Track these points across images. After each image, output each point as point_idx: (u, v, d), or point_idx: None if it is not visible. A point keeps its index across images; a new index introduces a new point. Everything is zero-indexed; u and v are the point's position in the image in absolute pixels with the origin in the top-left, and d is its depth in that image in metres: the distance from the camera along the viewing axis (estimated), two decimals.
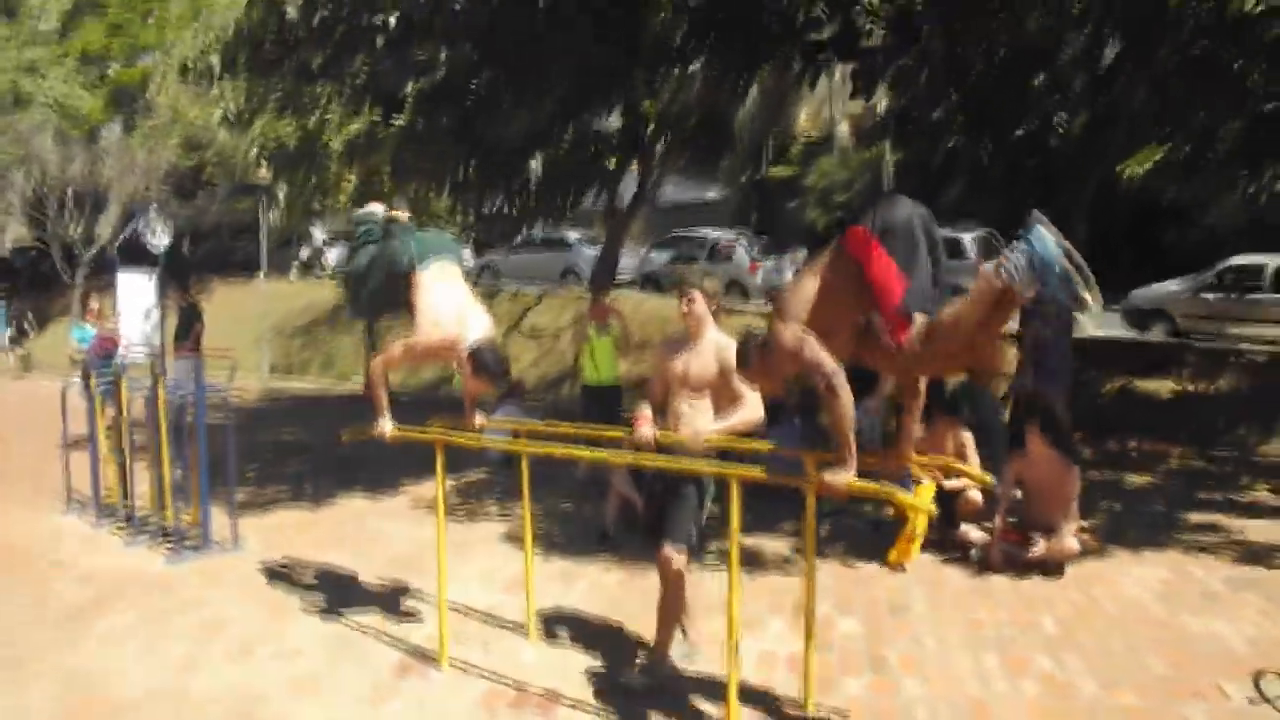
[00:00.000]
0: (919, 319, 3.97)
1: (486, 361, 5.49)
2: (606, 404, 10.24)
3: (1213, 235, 19.73)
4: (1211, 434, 12.68)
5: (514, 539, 8.19)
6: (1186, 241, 20.85)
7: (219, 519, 8.16)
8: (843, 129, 30.42)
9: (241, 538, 8.14)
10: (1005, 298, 3.81)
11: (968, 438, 7.80)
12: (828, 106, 30.73)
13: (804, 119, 33.03)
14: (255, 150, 9.73)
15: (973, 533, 7.51)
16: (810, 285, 4.26)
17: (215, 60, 10.04)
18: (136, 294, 13.67)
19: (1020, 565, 7.12)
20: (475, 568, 7.37)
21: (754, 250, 23.51)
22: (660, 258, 24.63)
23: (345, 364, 22.67)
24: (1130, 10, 9.05)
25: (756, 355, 4.47)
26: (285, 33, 9.97)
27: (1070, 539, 7.11)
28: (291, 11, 9.90)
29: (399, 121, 9.52)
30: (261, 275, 23.35)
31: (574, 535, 8.33)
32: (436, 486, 5.74)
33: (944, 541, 7.65)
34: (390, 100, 9.74)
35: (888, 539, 7.71)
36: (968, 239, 20.58)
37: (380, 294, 5.93)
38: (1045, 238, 3.67)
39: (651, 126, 12.00)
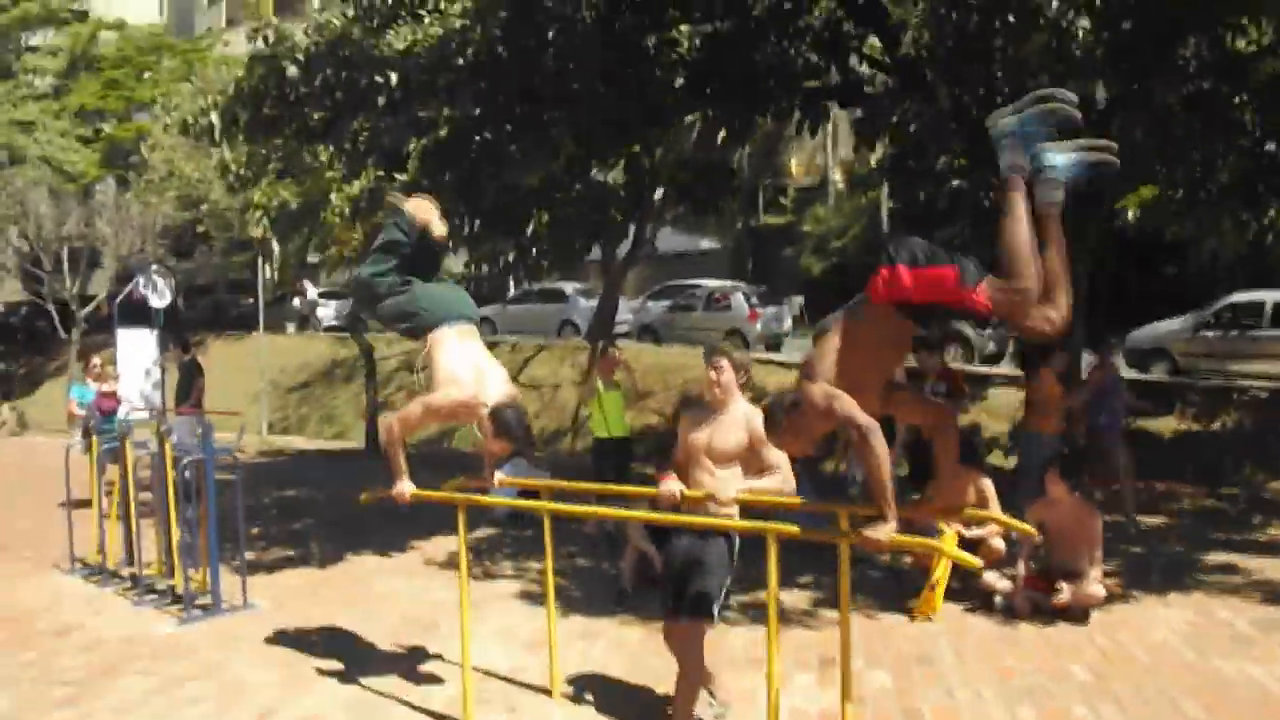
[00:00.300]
0: (982, 284, 3.84)
1: (508, 422, 5.33)
2: (618, 458, 10.16)
3: (1211, 271, 19.81)
4: (1218, 473, 12.64)
5: (529, 597, 8.09)
6: (1184, 277, 20.96)
7: (228, 579, 8.03)
8: (836, 175, 30.62)
9: (252, 599, 8.01)
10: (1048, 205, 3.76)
11: (987, 485, 7.74)
12: (821, 153, 30.96)
13: (796, 166, 33.26)
14: (259, 213, 9.69)
15: (997, 581, 7.41)
16: (835, 343, 4.19)
17: (215, 118, 10.06)
18: (136, 351, 13.58)
19: (1046, 612, 7.04)
20: (493, 626, 7.26)
21: (753, 299, 23.53)
22: (657, 308, 24.67)
23: (344, 420, 22.56)
24: (1133, 55, 9.12)
25: (786, 417, 4.39)
26: (286, 92, 10.00)
27: (1096, 585, 7.04)
28: (293, 71, 9.94)
29: (402, 179, 9.51)
30: (259, 331, 23.28)
31: (591, 592, 8.21)
32: (459, 548, 5.63)
33: (967, 590, 7.56)
34: (392, 158, 9.75)
35: (908, 588, 7.63)
36: None
37: (388, 313, 5.78)
38: (1048, 151, 3.75)
39: (649, 177, 12.04)
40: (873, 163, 18.51)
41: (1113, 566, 8.05)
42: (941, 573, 7.29)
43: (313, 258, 20.75)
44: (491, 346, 22.24)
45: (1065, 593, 7.02)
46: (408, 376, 20.91)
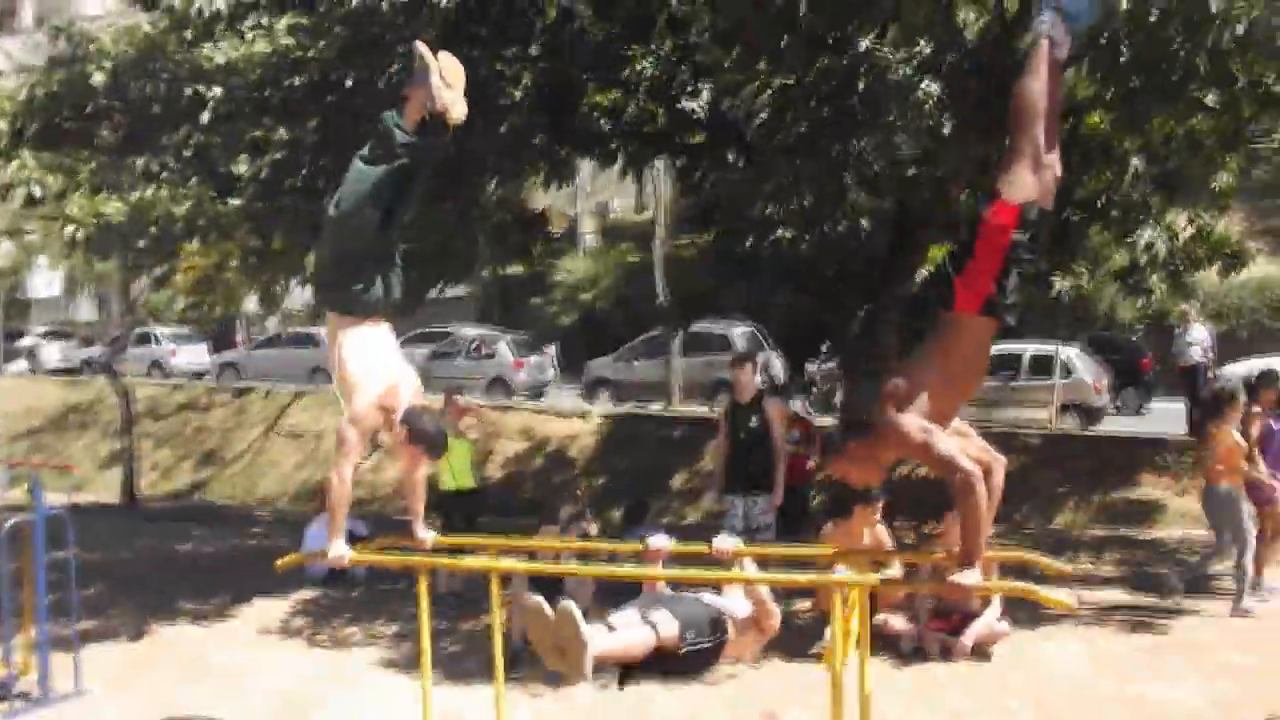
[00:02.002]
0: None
1: (424, 428, 4.66)
2: (467, 511, 9.53)
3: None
4: (1005, 512, 13.50)
5: (397, 665, 7.43)
6: None
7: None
8: (586, 225, 30.94)
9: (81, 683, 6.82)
10: (1054, 56, 3.97)
11: (882, 530, 7.80)
12: (570, 203, 31.15)
13: (556, 214, 33.31)
14: (72, 228, 8.43)
15: (897, 623, 7.46)
16: (927, 368, 4.03)
17: (3, 126, 8.75)
18: None
19: (953, 651, 7.15)
20: (379, 702, 6.54)
21: (517, 348, 23.22)
22: (416, 355, 23.80)
23: (82, 471, 20.00)
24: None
25: (853, 444, 4.16)
26: (92, 101, 8.86)
27: (999, 622, 7.22)
28: (98, 78, 8.81)
29: (235, 202, 8.59)
30: None
31: (477, 655, 7.58)
32: (420, 629, 4.91)
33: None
34: (223, 179, 8.79)
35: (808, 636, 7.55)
36: (736, 333, 21.33)
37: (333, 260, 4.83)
38: None
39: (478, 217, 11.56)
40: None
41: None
42: (847, 620, 7.23)
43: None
44: (241, 393, 20.69)
45: (973, 632, 7.15)
46: (151, 424, 19.07)
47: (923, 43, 10.08)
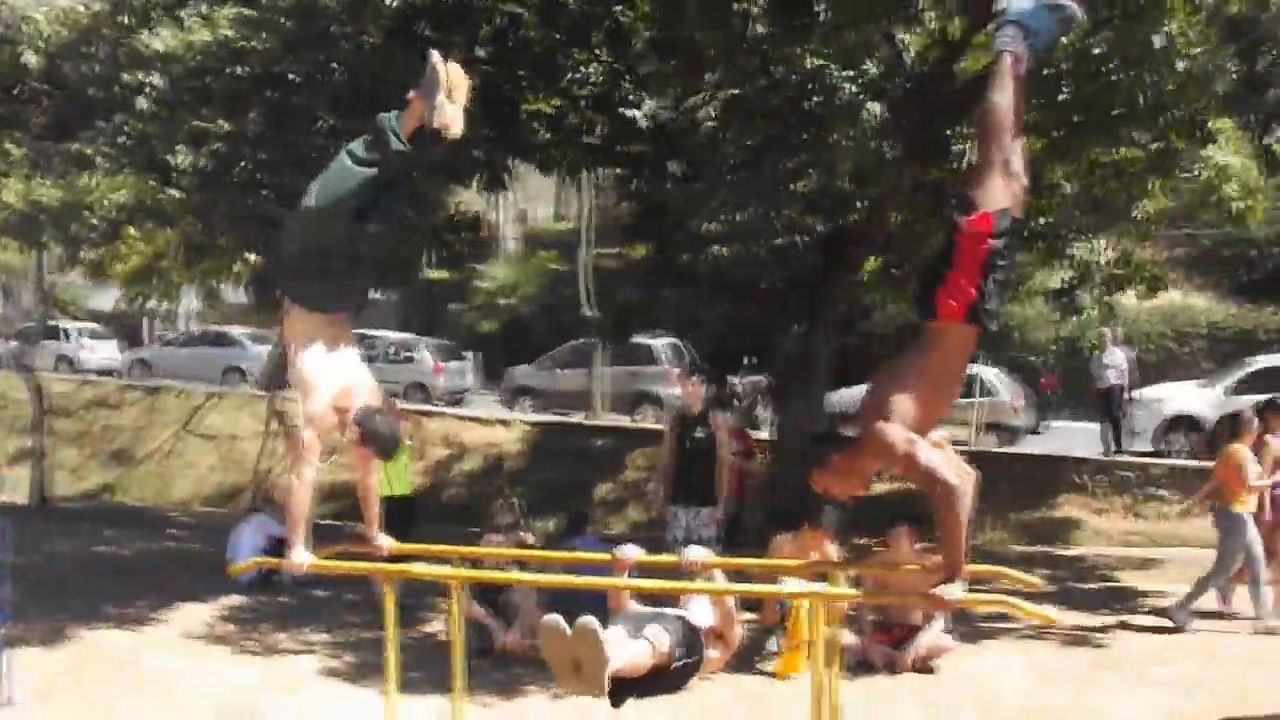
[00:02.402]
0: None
1: (377, 429, 4.53)
2: (403, 518, 9.29)
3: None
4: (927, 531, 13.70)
5: (338, 675, 7.23)
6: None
7: None
8: (509, 232, 30.75)
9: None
10: (1016, 70, 4.02)
11: (831, 549, 7.83)
12: (492, 209, 30.89)
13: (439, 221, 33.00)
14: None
15: (844, 637, 7.49)
16: (912, 378, 4.04)
17: None
18: None
19: (898, 665, 7.22)
20: (321, 713, 6.37)
21: (438, 353, 22.96)
22: None
23: None
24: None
25: (837, 457, 4.17)
26: (24, 83, 8.52)
27: (944, 636, 7.32)
28: (32, 59, 8.48)
29: (175, 194, 8.32)
30: None
31: (419, 665, 7.41)
32: (387, 636, 4.74)
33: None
34: (163, 169, 8.51)
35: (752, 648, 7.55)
36: (659, 345, 21.37)
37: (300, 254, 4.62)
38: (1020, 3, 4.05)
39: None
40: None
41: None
42: (798, 633, 7.26)
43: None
44: (153, 391, 20.05)
45: (918, 646, 7.23)
46: (59, 421, 18.30)
47: (870, 64, 10.27)
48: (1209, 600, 8.63)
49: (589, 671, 3.99)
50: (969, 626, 8.45)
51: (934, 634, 7.31)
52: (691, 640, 4.56)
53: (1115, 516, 14.51)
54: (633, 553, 4.92)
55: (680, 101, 11.44)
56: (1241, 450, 8.39)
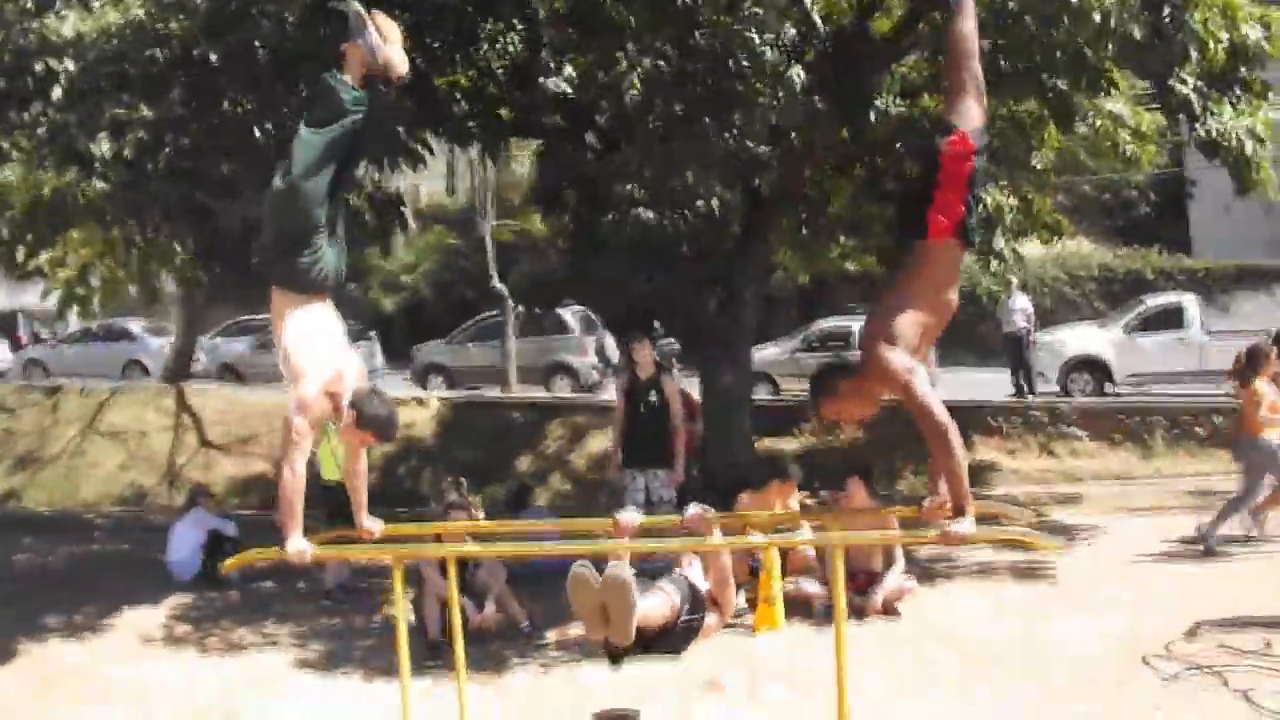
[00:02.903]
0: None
1: (376, 412, 4.46)
2: (335, 503, 9.17)
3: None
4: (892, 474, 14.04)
5: (313, 666, 7.16)
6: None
7: None
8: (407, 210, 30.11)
9: None
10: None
11: (794, 502, 8.01)
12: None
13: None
14: None
15: (809, 587, 7.70)
16: (911, 299, 4.11)
17: None
18: None
19: (866, 610, 7.45)
20: (306, 707, 6.33)
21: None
22: (237, 346, 22.85)
23: None
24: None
25: (847, 382, 4.24)
26: None
27: (906, 579, 7.58)
28: None
29: (100, 186, 8.00)
30: None
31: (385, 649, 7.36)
32: (398, 625, 4.65)
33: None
34: (80, 160, 8.17)
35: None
36: (569, 315, 21.38)
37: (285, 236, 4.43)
38: None
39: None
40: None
41: None
42: (767, 587, 7.43)
43: None
44: (53, 392, 19.24)
45: (882, 591, 7.48)
46: None
47: (789, 27, 10.41)
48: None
49: (617, 619, 4.10)
50: (920, 569, 8.76)
51: (896, 578, 7.56)
52: (695, 600, 4.67)
53: (1030, 456, 15.09)
54: (634, 518, 4.96)
55: (597, 71, 11.43)
56: (1261, 387, 8.67)
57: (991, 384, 18.48)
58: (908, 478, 14.43)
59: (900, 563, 7.68)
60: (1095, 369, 16.74)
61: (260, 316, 24.34)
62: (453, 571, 5.11)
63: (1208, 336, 16.69)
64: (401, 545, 4.97)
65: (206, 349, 22.55)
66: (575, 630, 7.59)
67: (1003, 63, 9.16)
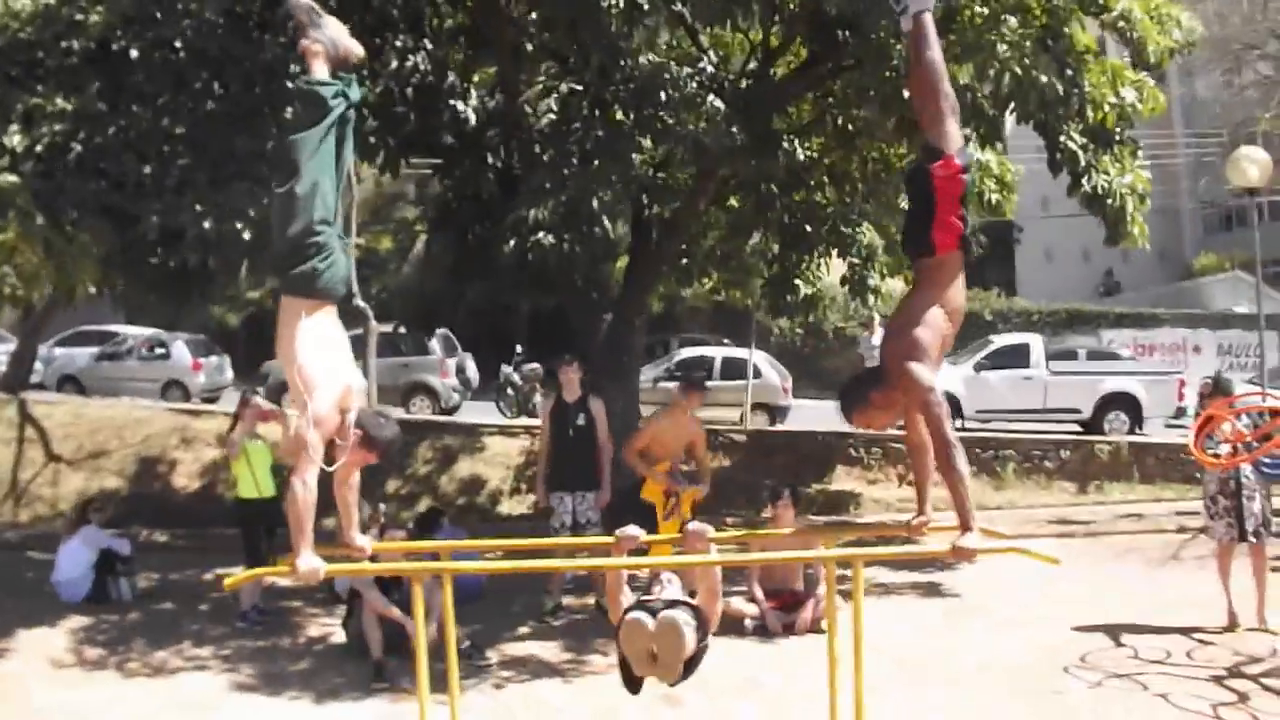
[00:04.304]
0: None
1: (382, 433, 4.44)
2: (268, 520, 8.90)
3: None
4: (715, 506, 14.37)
5: (255, 689, 6.97)
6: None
7: None
8: None
9: None
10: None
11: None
12: None
13: None
14: None
15: (744, 606, 7.96)
16: (933, 312, 4.38)
17: None
18: None
19: (795, 627, 7.77)
20: None
21: (194, 349, 21.67)
22: (79, 356, 21.62)
23: None
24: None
25: (877, 394, 4.47)
26: None
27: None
28: None
29: (11, 178, 7.56)
30: None
31: (332, 669, 7.22)
32: (417, 639, 4.59)
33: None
34: None
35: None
36: (433, 340, 21.16)
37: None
38: None
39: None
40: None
41: None
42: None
43: None
44: None
45: (809, 609, 7.81)
46: None
47: (706, 61, 10.79)
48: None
49: (666, 659, 4.27)
50: (843, 587, 9.13)
51: (819, 595, 7.90)
52: (703, 625, 4.84)
53: (890, 486, 15.81)
54: (635, 533, 5.06)
55: (505, 94, 11.50)
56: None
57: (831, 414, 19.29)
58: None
59: (825, 583, 8.00)
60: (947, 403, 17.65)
61: (105, 327, 23.15)
62: (448, 589, 5.03)
63: (1051, 375, 17.90)
64: (420, 563, 4.90)
65: (44, 359, 21.18)
66: (513, 649, 7.64)
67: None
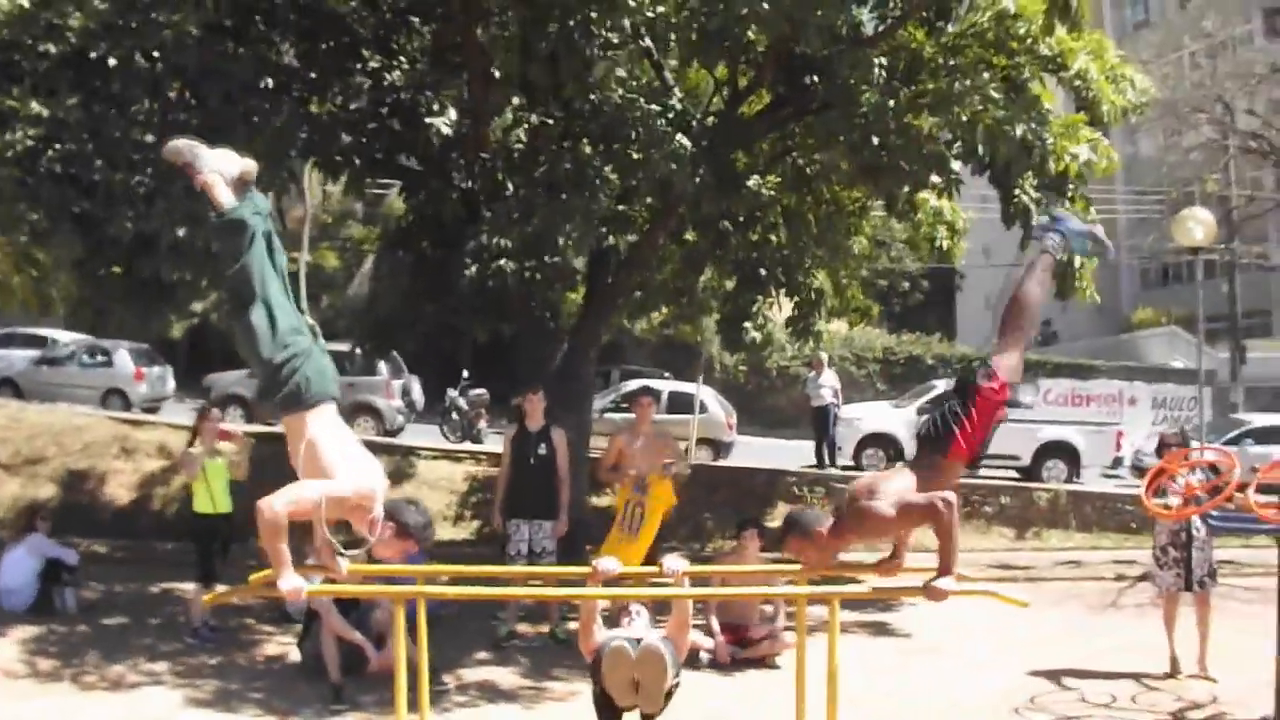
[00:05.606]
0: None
1: (414, 520, 4.55)
2: (224, 536, 8.84)
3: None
4: (671, 536, 14.45)
5: (208, 705, 6.91)
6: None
7: None
8: None
9: None
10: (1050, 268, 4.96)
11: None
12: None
13: None
14: None
15: (701, 640, 8.04)
16: (918, 488, 4.65)
17: None
18: None
19: (752, 661, 7.89)
20: None
21: (137, 358, 21.34)
22: (18, 360, 21.23)
23: None
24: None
25: (823, 534, 4.71)
26: None
27: (784, 634, 8.05)
28: None
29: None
30: None
31: (286, 691, 7.15)
32: (397, 660, 4.64)
33: None
34: None
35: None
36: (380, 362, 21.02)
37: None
38: (1070, 218, 5.06)
39: None
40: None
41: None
42: None
43: None
44: None
45: (765, 644, 7.93)
46: None
47: (674, 100, 10.96)
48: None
49: (649, 689, 4.38)
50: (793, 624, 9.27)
51: (777, 632, 8.03)
52: (678, 660, 4.95)
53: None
54: (611, 566, 5.14)
55: (473, 119, 11.59)
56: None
57: (782, 451, 19.55)
58: (720, 540, 14.94)
59: (781, 618, 8.15)
60: (888, 445, 18.00)
61: (40, 331, 22.63)
62: (422, 611, 5.06)
63: None
64: (399, 586, 4.92)
65: None
66: (469, 674, 7.64)
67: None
